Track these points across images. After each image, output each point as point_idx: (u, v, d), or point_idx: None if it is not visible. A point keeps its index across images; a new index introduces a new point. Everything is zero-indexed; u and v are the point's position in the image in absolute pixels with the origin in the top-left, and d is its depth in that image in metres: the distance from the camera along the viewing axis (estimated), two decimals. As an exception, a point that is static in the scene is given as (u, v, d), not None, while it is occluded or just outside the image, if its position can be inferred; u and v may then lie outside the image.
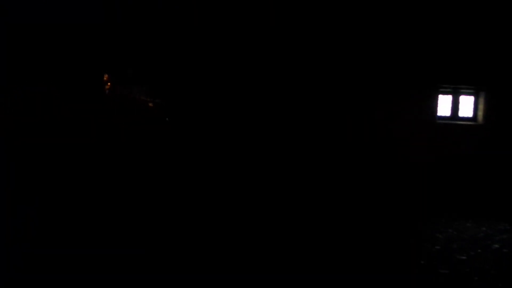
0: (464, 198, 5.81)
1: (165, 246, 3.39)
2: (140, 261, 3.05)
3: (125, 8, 5.41)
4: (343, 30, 5.89)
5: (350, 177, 5.96)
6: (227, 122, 5.90)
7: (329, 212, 4.81)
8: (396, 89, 6.00)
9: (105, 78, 5.23)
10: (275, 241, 3.63)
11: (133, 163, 5.58)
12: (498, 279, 2.81)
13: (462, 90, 6.24)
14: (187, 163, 5.78)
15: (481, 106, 6.11)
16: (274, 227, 4.04)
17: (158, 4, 5.43)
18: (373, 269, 2.99)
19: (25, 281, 2.62)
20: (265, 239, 3.66)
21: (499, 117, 5.95)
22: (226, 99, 5.95)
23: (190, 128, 5.76)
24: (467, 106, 6.03)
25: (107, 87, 5.29)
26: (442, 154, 5.99)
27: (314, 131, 5.97)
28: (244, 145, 5.92)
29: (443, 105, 6.10)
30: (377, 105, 6.00)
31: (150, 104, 5.88)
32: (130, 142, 5.56)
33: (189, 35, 5.83)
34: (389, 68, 5.98)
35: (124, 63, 5.68)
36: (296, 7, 5.77)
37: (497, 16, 5.78)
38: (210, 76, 5.99)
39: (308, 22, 5.87)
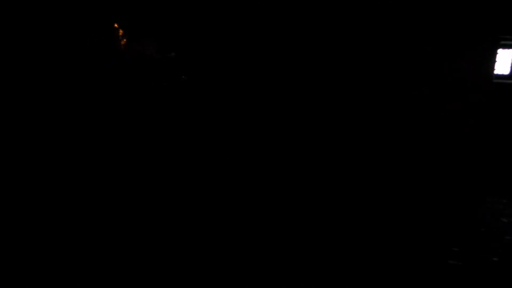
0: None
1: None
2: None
3: None
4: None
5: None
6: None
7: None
8: (447, 42, 5.19)
9: (120, 33, 4.56)
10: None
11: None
12: None
13: (527, 44, 5.40)
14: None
15: (548, 63, 5.30)
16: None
17: None
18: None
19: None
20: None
21: None
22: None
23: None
24: (531, 62, 5.26)
25: (122, 43, 4.64)
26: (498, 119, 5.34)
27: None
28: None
29: (502, 62, 5.38)
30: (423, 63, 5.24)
31: (165, 60, 5.25)
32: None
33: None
34: (437, 16, 5.12)
35: (134, 14, 4.96)
36: None
37: None
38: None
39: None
